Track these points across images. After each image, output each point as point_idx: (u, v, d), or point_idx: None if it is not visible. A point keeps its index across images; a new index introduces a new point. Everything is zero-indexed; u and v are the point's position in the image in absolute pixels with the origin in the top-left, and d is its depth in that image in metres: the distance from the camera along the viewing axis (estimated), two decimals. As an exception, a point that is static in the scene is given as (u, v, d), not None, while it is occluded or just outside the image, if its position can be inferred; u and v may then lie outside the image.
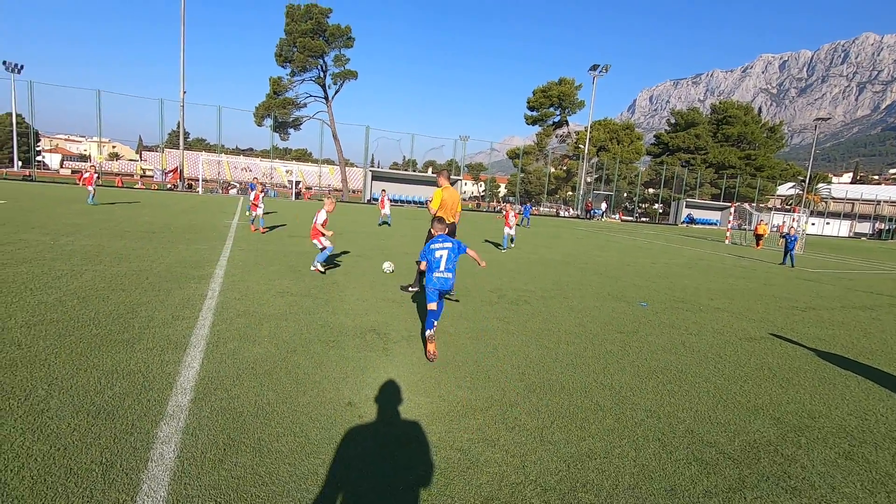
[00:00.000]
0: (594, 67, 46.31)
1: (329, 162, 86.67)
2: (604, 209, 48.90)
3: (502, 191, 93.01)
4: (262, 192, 14.47)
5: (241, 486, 2.35)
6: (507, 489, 2.51)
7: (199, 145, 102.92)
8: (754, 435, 3.34)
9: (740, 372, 4.64)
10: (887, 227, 64.84)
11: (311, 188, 64.30)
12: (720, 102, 67.34)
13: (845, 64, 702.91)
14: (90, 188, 17.46)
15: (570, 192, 60.14)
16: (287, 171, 42.93)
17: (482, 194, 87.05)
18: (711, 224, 53.84)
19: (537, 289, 8.03)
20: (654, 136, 68.71)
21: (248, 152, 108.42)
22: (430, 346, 4.31)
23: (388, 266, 8.44)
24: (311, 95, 44.47)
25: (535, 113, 59.36)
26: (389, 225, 18.90)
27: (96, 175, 18.25)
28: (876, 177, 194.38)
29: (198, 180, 39.44)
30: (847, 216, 70.87)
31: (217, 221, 15.12)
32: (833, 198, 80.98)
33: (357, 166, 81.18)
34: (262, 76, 46.77)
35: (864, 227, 69.02)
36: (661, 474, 2.75)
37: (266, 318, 5.07)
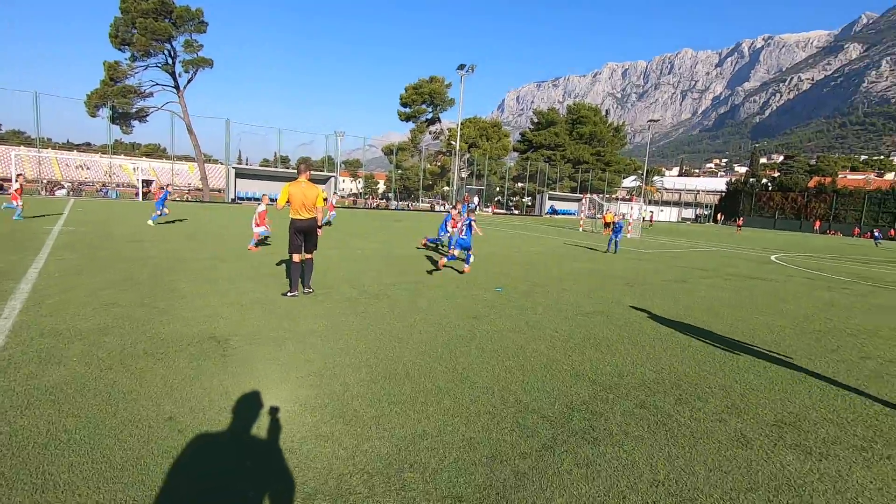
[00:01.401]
0: (461, 67, 48.12)
1: (188, 158, 78.39)
2: (476, 203, 51.26)
3: (381, 187, 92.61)
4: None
5: (8, 530, 2.02)
6: (333, 481, 2.50)
7: (16, 138, 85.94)
8: (572, 397, 3.76)
9: (570, 343, 5.19)
10: (705, 213, 77.81)
11: (165, 187, 57.64)
12: (574, 104, 74.49)
13: (671, 74, 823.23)
14: None
15: (446, 187, 62.02)
16: (134, 169, 37.76)
17: (360, 191, 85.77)
18: (571, 214, 59.55)
19: (401, 282, 8.14)
20: (521, 133, 73.75)
21: (85, 147, 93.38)
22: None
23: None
24: (157, 84, 39.65)
25: (408, 109, 59.98)
26: (331, 224, 18.90)
27: None
28: (696, 171, 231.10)
29: (9, 180, 32.98)
30: (676, 204, 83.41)
31: (37, 227, 12.82)
32: (665, 189, 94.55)
33: (221, 163, 74.52)
34: (96, 59, 40.43)
35: (689, 213, 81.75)
36: (486, 444, 2.96)
37: (80, 335, 4.41)
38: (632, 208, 26.46)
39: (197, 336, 4.63)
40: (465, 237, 9.39)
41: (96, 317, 5.03)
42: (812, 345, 5.82)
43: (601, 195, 58.62)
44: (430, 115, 61.02)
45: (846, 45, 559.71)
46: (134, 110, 38.49)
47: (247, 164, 76.28)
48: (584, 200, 32.90)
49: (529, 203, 64.56)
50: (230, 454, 2.70)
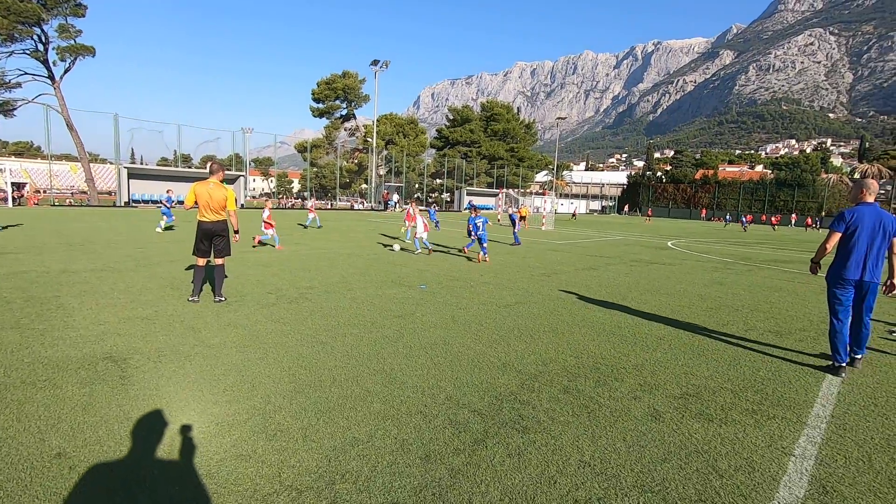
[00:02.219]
0: (375, 62, 47.49)
1: (69, 157, 69.83)
2: (396, 200, 50.97)
3: (296, 186, 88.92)
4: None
5: None
6: (258, 503, 2.32)
7: None
8: (500, 389, 3.83)
9: (496, 335, 5.31)
10: (610, 204, 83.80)
11: (42, 191, 51.05)
12: (488, 102, 76.48)
13: (575, 74, 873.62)
14: None
15: (364, 185, 61.00)
16: (1, 170, 32.70)
17: (273, 190, 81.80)
18: (489, 209, 61.24)
19: (320, 284, 7.84)
20: (437, 130, 74.36)
21: (-66, 146, 79.83)
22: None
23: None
24: (26, 73, 34.78)
25: (321, 105, 58.05)
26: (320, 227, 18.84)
27: None
28: (601, 165, 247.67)
29: None
30: (584, 196, 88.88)
31: None
32: (574, 182, 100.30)
33: (110, 162, 67.32)
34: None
35: (596, 205, 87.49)
36: (419, 444, 2.92)
37: (-66, 368, 3.73)
38: (545, 202, 27.85)
39: (88, 357, 4.11)
40: (483, 232, 11.97)
41: (-44, 344, 4.29)
42: (706, 321, 6.44)
43: (516, 190, 60.83)
44: (344, 112, 59.57)
45: (721, 52, 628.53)
46: (-3, 103, 33.50)
47: (142, 164, 69.62)
48: (500, 195, 33.94)
49: (448, 199, 65.40)
50: (136, 489, 2.41)
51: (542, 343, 5.11)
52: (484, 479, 2.59)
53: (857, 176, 68.01)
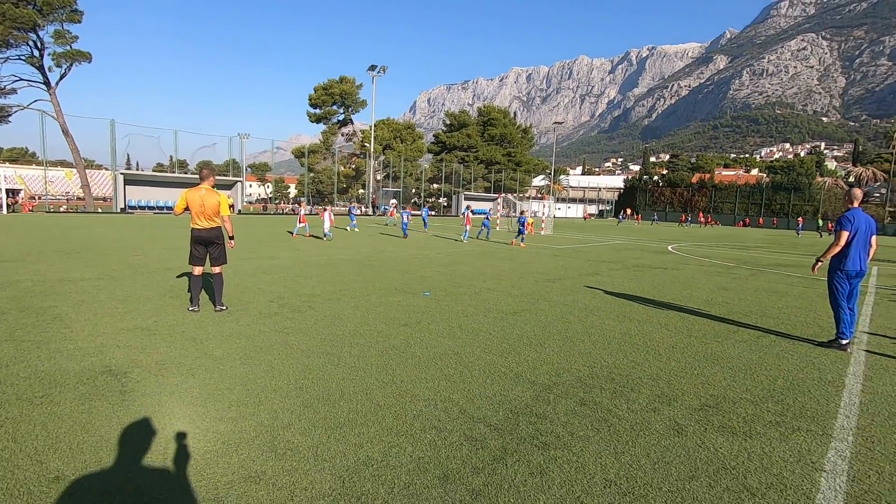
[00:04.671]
0: (372, 68, 47.54)
1: (64, 164, 69.48)
2: (393, 205, 50.88)
3: (292, 191, 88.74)
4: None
5: None
6: (271, 531, 2.19)
7: None
8: (515, 402, 3.71)
9: (505, 344, 5.19)
10: (607, 208, 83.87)
11: (37, 197, 50.74)
12: (485, 106, 76.58)
13: (570, 79, 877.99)
14: None
15: (361, 190, 60.87)
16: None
17: (270, 196, 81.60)
18: (485, 213, 61.18)
19: (322, 291, 7.71)
20: (434, 135, 74.38)
21: (-73, 152, 79.24)
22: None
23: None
24: (21, 79, 34.63)
25: (318, 111, 57.99)
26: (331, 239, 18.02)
27: None
28: (597, 169, 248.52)
29: None
30: (581, 201, 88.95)
31: None
32: (571, 187, 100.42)
33: (106, 168, 67.04)
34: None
35: (593, 209, 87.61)
36: (436, 463, 2.79)
37: (-74, 384, 3.58)
38: (543, 206, 27.84)
39: (87, 371, 3.96)
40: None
41: (-51, 358, 4.14)
42: (716, 327, 6.34)
43: (514, 194, 60.82)
44: (341, 117, 59.52)
45: (715, 57, 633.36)
46: (-8, 109, 33.30)
47: (138, 170, 69.31)
48: (498, 200, 33.88)
49: (446, 204, 65.33)
50: (139, 514, 2.27)
51: (553, 352, 4.99)
52: (507, 501, 2.46)
53: (851, 179, 68.45)
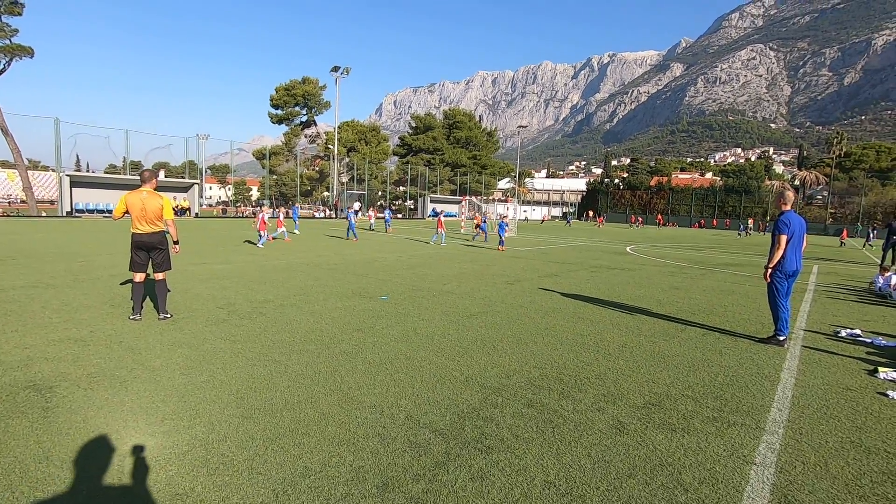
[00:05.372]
0: (335, 69, 46.97)
1: (5, 165, 65.34)
2: (358, 208, 50.37)
3: (254, 194, 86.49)
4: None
5: None
6: (193, 552, 2.08)
7: None
8: (462, 405, 3.69)
9: (458, 348, 5.17)
10: (571, 210, 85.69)
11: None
12: (450, 110, 76.89)
13: (535, 84, 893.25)
14: None
15: (326, 193, 59.97)
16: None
17: (231, 198, 79.26)
18: (453, 216, 61.37)
19: (276, 297, 7.51)
20: (399, 138, 74.11)
21: None
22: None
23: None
24: (-45, 74, 32.39)
25: (280, 111, 56.79)
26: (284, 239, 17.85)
27: None
28: (561, 172, 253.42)
29: None
30: (545, 203, 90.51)
31: None
32: (536, 189, 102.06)
33: (52, 170, 63.44)
34: None
35: (557, 211, 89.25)
36: (376, 471, 2.73)
37: None
38: (507, 209, 28.15)
39: (8, 387, 3.70)
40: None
41: None
42: (666, 326, 6.54)
43: (479, 197, 61.27)
44: (304, 118, 58.48)
45: (671, 65, 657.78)
46: (-80, 105, 30.96)
47: (89, 171, 66.04)
48: (463, 202, 34.03)
49: (412, 206, 65.15)
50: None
51: (506, 354, 5.02)
52: (445, 508, 2.44)
53: (797, 182, 72.31)
